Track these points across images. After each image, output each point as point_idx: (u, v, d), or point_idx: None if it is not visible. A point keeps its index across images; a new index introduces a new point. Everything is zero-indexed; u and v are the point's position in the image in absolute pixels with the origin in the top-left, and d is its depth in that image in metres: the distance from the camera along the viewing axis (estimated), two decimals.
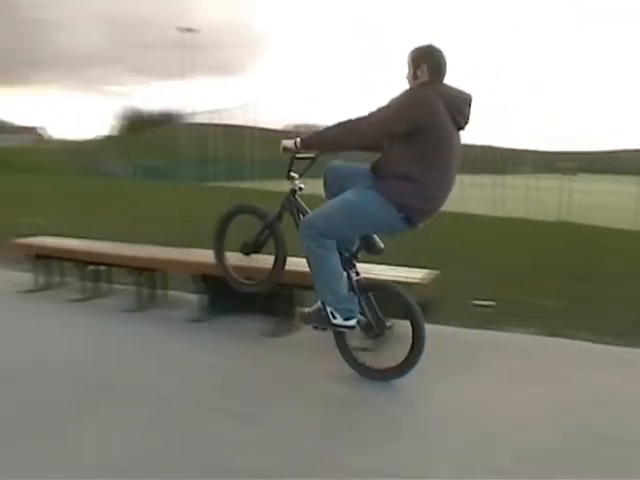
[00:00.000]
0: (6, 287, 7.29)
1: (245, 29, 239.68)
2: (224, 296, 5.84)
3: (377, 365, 4.53)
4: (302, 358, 5.10)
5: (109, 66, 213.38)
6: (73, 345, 5.38)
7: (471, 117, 4.17)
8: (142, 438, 3.66)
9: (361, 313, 4.42)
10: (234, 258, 5.32)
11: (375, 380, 4.51)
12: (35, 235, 7.75)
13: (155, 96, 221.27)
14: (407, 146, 3.98)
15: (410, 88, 4.12)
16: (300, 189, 4.77)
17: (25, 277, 7.33)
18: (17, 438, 3.62)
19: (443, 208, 4.34)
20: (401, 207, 4.05)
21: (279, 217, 4.84)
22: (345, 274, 4.37)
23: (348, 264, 4.44)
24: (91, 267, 6.90)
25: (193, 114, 61.81)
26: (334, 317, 4.27)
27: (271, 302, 5.77)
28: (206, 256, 5.75)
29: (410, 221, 4.15)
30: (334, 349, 4.64)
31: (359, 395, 4.35)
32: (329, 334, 4.60)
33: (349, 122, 4.06)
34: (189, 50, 59.70)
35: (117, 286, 7.09)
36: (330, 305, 4.26)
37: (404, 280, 5.01)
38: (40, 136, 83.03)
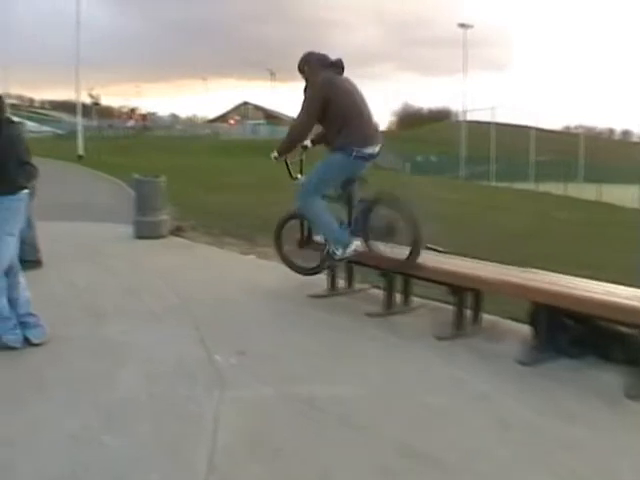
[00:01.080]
0: (299, 289, 6.44)
1: (515, 25, 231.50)
2: (564, 333, 4.57)
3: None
4: None
5: (384, 63, 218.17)
6: (359, 380, 4.29)
7: None
8: None
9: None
10: None
11: None
12: None
13: (430, 93, 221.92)
14: (330, 115, 5.53)
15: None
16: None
17: (319, 277, 6.43)
18: None
19: None
20: (350, 151, 5.46)
21: None
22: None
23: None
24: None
25: (468, 111, 60.32)
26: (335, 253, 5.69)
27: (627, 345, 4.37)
28: (542, 279, 4.85)
29: (362, 157, 5.51)
30: None
31: None
32: None
33: (293, 127, 5.90)
34: (464, 47, 57.84)
35: (415, 299, 5.95)
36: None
37: None
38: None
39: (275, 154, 5.81)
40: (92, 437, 3.43)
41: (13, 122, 8.02)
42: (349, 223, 5.73)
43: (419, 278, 5.58)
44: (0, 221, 4.52)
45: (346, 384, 4.19)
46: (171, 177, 10.31)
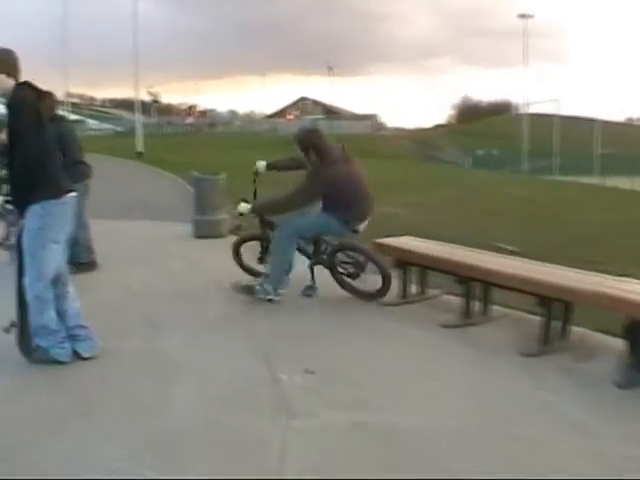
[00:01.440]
0: None
1: (574, 15, 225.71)
2: None
3: None
4: None
5: (442, 56, 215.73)
6: (440, 406, 3.79)
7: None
8: None
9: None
10: None
11: None
12: (394, 234, 6.40)
13: (489, 85, 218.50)
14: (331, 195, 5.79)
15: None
16: None
17: None
18: None
19: None
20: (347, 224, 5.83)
21: None
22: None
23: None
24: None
25: (529, 104, 58.98)
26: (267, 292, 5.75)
27: None
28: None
29: (354, 230, 5.91)
30: None
31: None
32: None
33: (289, 201, 5.87)
34: (524, 37, 56.66)
35: (495, 307, 5.42)
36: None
37: None
38: (379, 124, 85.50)
39: (247, 209, 5.92)
40: (137, 472, 3.03)
41: (63, 119, 7.83)
42: (313, 259, 6.12)
43: (502, 287, 5.07)
44: (43, 228, 4.14)
45: (426, 411, 3.73)
46: (230, 174, 9.95)
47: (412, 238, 6.25)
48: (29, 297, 4.21)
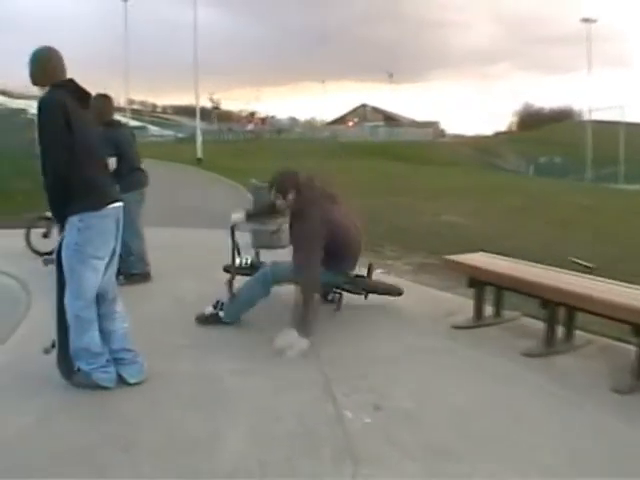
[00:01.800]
0: (439, 317, 5.57)
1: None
2: None
3: None
4: None
5: (502, 62, 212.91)
6: (529, 460, 3.23)
7: None
8: None
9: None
10: None
11: None
12: (466, 250, 5.91)
13: (551, 91, 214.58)
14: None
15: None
16: None
17: (459, 302, 5.64)
18: None
19: None
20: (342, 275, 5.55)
21: None
22: None
23: None
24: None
25: (592, 110, 57.43)
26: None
27: None
28: None
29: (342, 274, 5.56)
30: None
31: None
32: None
33: (306, 285, 4.88)
34: (588, 42, 55.17)
35: (578, 333, 4.87)
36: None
37: None
38: (440, 131, 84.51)
39: (300, 334, 4.64)
40: None
41: (121, 125, 7.57)
42: None
43: (591, 313, 4.52)
44: (82, 242, 3.78)
45: (512, 467, 3.17)
46: None
47: (486, 255, 5.72)
48: (69, 316, 3.87)
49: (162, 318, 5.50)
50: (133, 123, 44.02)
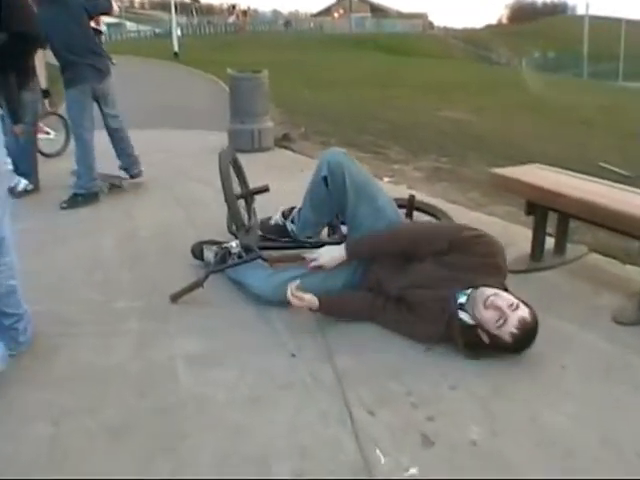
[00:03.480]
0: None
1: None
2: None
3: None
4: None
5: None
6: None
7: None
8: None
9: None
10: None
11: None
12: (521, 163, 4.41)
13: None
14: None
15: None
16: None
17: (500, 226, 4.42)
18: None
19: None
20: None
21: None
22: None
23: None
24: None
25: (586, 5, 55.59)
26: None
27: None
28: None
29: None
30: None
31: None
32: None
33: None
34: None
35: None
36: None
37: None
38: (429, 23, 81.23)
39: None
40: None
41: None
42: None
43: None
44: None
45: None
46: (273, 74, 8.07)
47: (541, 167, 4.21)
48: None
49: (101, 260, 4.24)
50: (108, 20, 41.34)
